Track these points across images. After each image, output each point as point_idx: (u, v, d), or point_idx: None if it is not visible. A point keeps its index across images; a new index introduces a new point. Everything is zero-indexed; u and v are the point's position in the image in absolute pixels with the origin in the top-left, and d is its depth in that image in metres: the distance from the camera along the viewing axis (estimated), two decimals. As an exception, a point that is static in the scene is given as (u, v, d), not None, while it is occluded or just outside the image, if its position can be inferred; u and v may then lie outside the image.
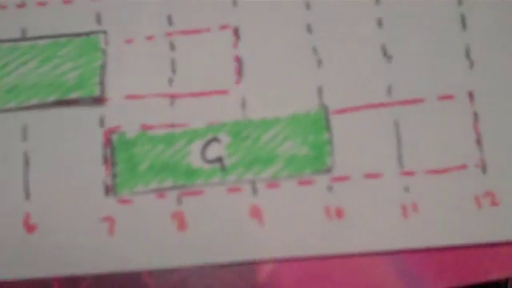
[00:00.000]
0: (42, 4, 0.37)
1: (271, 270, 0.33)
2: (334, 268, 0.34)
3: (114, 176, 0.34)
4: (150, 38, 0.37)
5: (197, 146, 0.35)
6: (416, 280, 0.33)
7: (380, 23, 0.36)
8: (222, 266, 0.34)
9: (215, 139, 0.35)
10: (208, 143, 0.35)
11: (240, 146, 0.34)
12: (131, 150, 0.35)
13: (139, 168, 0.35)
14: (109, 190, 0.35)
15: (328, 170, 0.34)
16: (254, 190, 0.34)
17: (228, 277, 0.33)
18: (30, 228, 0.35)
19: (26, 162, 0.35)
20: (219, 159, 0.34)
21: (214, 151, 0.35)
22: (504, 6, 0.36)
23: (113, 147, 0.35)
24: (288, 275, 0.33)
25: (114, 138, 0.35)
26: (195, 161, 0.34)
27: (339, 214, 0.34)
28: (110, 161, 0.35)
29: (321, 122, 0.34)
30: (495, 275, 0.33)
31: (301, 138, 0.34)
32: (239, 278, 0.33)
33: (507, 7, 0.36)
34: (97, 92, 0.35)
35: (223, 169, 0.34)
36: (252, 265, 0.34)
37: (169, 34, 0.37)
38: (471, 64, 0.35)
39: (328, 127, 0.34)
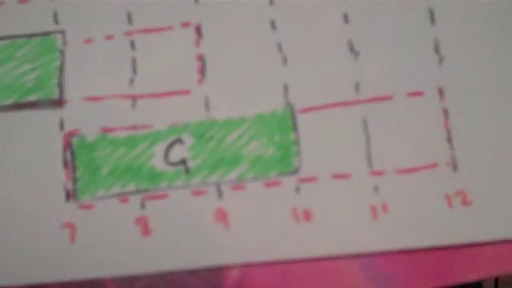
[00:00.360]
0: (-3, 3, 0.36)
1: (238, 276, 0.33)
2: (303, 272, 0.33)
3: (75, 181, 0.33)
4: (109, 37, 0.35)
5: (160, 148, 0.34)
6: (387, 283, 0.32)
7: (346, 19, 0.35)
8: (188, 272, 0.32)
9: (179, 141, 0.33)
10: (171, 145, 0.33)
11: (204, 148, 0.33)
12: (92, 153, 0.34)
13: (100, 172, 0.34)
14: (69, 195, 0.33)
15: (295, 171, 0.33)
16: (220, 193, 0.33)
17: (194, 283, 0.32)
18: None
19: None
20: (183, 161, 0.33)
21: (177, 153, 0.33)
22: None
23: (73, 151, 0.34)
24: (255, 280, 0.32)
25: (74, 141, 0.34)
26: (158, 164, 0.33)
27: (307, 216, 0.33)
28: (70, 165, 0.33)
29: (287, 121, 0.33)
30: (470, 278, 0.32)
31: (267, 138, 0.33)
32: (205, 284, 0.32)
33: (475, 1, 0.35)
34: (55, 94, 0.34)
35: (187, 171, 0.33)
36: (218, 270, 0.32)
37: (129, 33, 0.36)
38: (440, 59, 0.34)
39: (294, 127, 0.33)
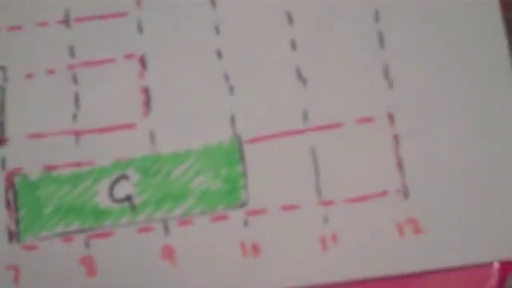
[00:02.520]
0: None
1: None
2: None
3: (18, 221, 0.33)
4: (51, 71, 0.35)
5: (104, 184, 0.33)
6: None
7: (294, 45, 0.34)
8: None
9: (123, 177, 0.33)
10: (116, 181, 0.33)
11: (150, 183, 0.33)
12: (35, 192, 0.33)
13: (44, 211, 0.33)
14: (12, 236, 0.33)
15: (242, 205, 0.32)
16: (166, 229, 0.32)
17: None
18: None
19: None
20: (128, 198, 0.33)
21: (122, 190, 0.33)
22: (422, 22, 0.35)
23: (15, 191, 0.33)
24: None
25: (17, 180, 0.33)
26: (103, 201, 0.33)
27: (255, 249, 0.32)
28: (12, 205, 0.33)
29: (234, 153, 0.33)
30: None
31: (213, 171, 0.33)
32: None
33: (425, 24, 0.34)
34: (-4, 132, 0.33)
35: (133, 208, 0.32)
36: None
37: (71, 67, 0.35)
38: (390, 83, 0.34)
39: (241, 159, 0.33)
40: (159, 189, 0.33)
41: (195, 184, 0.33)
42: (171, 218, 0.33)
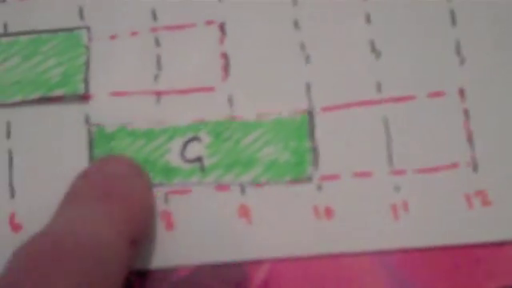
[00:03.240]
0: (23, -1, 0.36)
1: (263, 277, 0.33)
2: (324, 269, 0.33)
3: None
4: (134, 33, 0.36)
5: (177, 143, 0.34)
6: (408, 286, 0.32)
7: (368, 19, 0.36)
8: (213, 276, 0.32)
9: (196, 138, 0.34)
10: (188, 142, 0.34)
11: (220, 147, 0.34)
12: (109, 143, 0.34)
13: None
14: None
15: (309, 179, 0.33)
16: (242, 190, 0.33)
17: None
18: (15, 227, 0.34)
19: (10, 160, 0.34)
20: (199, 159, 0.34)
21: (193, 150, 0.34)
22: (494, 1, 0.35)
23: (92, 140, 0.34)
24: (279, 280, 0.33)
25: (94, 130, 0.34)
26: (174, 159, 0.34)
27: (328, 213, 0.33)
28: (87, 150, 0.34)
29: (304, 127, 0.34)
30: (493, 284, 0.32)
31: (283, 143, 0.34)
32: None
33: (497, 2, 0.35)
34: (81, 89, 0.35)
35: (202, 169, 0.33)
36: (245, 273, 0.33)
37: (153, 30, 0.36)
38: (462, 60, 0.35)
39: (311, 134, 0.34)
40: (229, 154, 0.34)
41: (264, 153, 0.34)
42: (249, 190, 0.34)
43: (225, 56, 0.35)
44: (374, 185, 0.34)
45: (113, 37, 0.36)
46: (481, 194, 0.33)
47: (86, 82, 0.35)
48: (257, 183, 0.34)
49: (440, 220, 0.33)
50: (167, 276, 0.33)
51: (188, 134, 0.34)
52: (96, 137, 0.34)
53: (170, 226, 0.34)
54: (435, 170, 0.34)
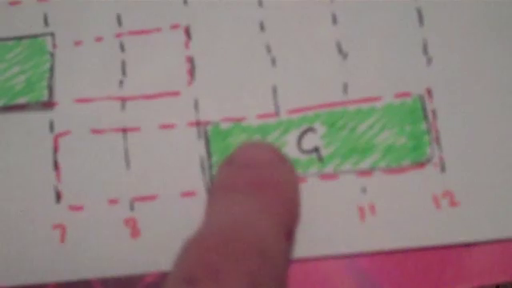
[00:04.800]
0: (-13, 6, 0.36)
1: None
2: (293, 277, 0.33)
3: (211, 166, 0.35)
4: (99, 39, 0.36)
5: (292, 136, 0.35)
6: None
7: (335, 20, 0.35)
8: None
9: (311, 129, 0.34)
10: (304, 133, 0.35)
11: (336, 136, 0.34)
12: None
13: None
14: (60, 196, 0.33)
15: (428, 160, 0.33)
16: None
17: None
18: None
19: None
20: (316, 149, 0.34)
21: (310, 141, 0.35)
22: (461, 0, 0.35)
23: (207, 138, 0.35)
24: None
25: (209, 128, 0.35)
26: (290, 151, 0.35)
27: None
28: (59, 166, 0.34)
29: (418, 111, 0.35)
30: (462, 286, 0.32)
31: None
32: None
33: (464, 1, 0.35)
34: (45, 96, 0.35)
35: (320, 159, 0.34)
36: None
37: (118, 35, 0.36)
38: (429, 60, 0.34)
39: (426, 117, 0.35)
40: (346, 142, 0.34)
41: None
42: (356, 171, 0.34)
43: (190, 60, 0.35)
44: (340, 187, 0.33)
45: (77, 43, 0.36)
46: (448, 194, 0.33)
47: (50, 88, 0.35)
48: (373, 170, 0.34)
49: (408, 221, 0.33)
50: (134, 282, 0.33)
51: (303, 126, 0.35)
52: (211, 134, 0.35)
53: (136, 233, 0.33)
54: (402, 170, 0.33)
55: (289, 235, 0.31)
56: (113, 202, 0.34)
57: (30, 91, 0.35)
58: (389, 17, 0.36)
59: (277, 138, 0.35)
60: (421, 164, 0.34)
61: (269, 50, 0.35)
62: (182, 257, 0.28)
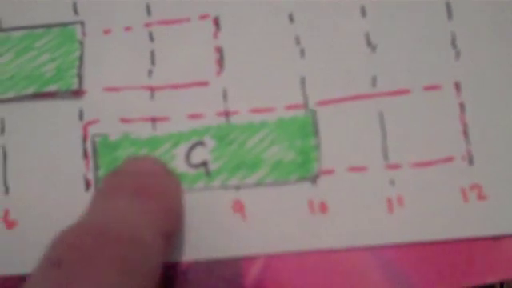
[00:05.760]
0: (16, -6, 0.36)
1: (257, 273, 0.33)
2: (319, 264, 0.33)
3: (97, 180, 0.34)
4: (128, 28, 0.36)
5: (181, 150, 0.34)
6: (401, 279, 0.32)
7: (364, 12, 0.35)
8: (208, 273, 0.32)
9: (200, 143, 0.34)
10: (193, 147, 0.34)
11: (225, 151, 0.33)
12: (114, 152, 0.34)
13: None
14: (89, 185, 0.33)
15: (315, 177, 0.33)
16: (237, 186, 0.33)
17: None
18: (9, 224, 0.34)
19: (4, 156, 0.34)
20: (204, 163, 0.33)
21: (198, 155, 0.34)
22: (490, -6, 0.35)
23: (95, 150, 0.34)
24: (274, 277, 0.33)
25: (97, 140, 0.34)
26: (180, 165, 0.33)
27: (323, 208, 0.33)
28: (91, 158, 0.34)
29: (308, 126, 0.33)
30: (489, 280, 0.32)
31: (288, 143, 0.33)
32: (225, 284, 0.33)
33: (493, -5, 0.35)
34: (75, 85, 0.35)
35: (208, 173, 0.33)
36: (240, 268, 0.33)
37: (147, 25, 0.36)
38: (457, 54, 0.34)
39: (316, 132, 0.33)
40: (234, 157, 0.33)
41: (268, 154, 0.33)
42: (244, 186, 0.33)
43: (219, 50, 0.35)
44: (369, 179, 0.34)
45: (106, 31, 0.36)
46: (476, 187, 0.33)
47: (80, 77, 0.35)
48: (261, 185, 0.34)
49: (435, 214, 0.33)
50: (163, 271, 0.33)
51: (192, 140, 0.34)
52: (99, 146, 0.34)
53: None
54: (430, 163, 0.33)
55: (166, 237, 0.31)
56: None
57: (60, 79, 0.35)
58: (418, 10, 0.36)
59: (166, 151, 0.35)
60: (306, 180, 0.34)
61: (298, 41, 0.35)
62: (52, 243, 0.28)
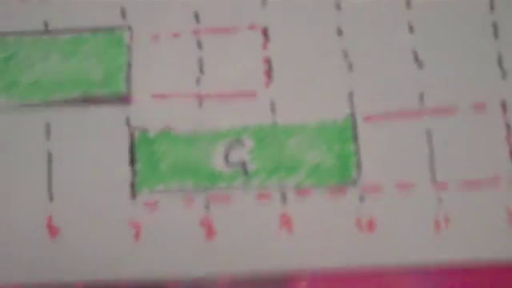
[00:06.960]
0: (65, -4, 0.36)
1: None
2: (364, 282, 0.33)
3: (134, 174, 0.33)
4: (176, 35, 0.35)
5: (220, 148, 0.33)
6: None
7: (411, 28, 0.35)
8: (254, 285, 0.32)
9: (239, 143, 0.33)
10: (232, 146, 0.33)
11: (264, 152, 0.33)
12: (152, 147, 0.33)
13: (160, 166, 0.33)
14: (135, 193, 0.33)
15: (353, 182, 0.33)
16: (283, 198, 0.33)
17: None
18: (53, 231, 0.33)
19: (49, 162, 0.34)
20: (242, 163, 0.33)
21: (237, 155, 0.33)
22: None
23: (134, 143, 0.33)
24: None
25: (136, 134, 0.33)
26: (218, 164, 0.33)
27: (371, 226, 0.33)
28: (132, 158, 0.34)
29: (347, 131, 0.33)
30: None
31: (327, 147, 0.33)
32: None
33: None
34: (123, 90, 0.34)
35: (246, 173, 0.33)
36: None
37: (196, 32, 0.35)
38: (504, 74, 0.35)
39: (355, 138, 0.33)
40: (273, 158, 0.33)
41: (308, 157, 0.33)
42: (285, 188, 0.33)
43: (268, 61, 0.35)
44: (416, 197, 0.33)
45: (155, 37, 0.35)
46: (523, 209, 0.33)
47: (128, 82, 0.34)
48: (301, 188, 0.33)
49: (481, 235, 0.33)
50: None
51: (231, 139, 0.34)
52: (138, 140, 0.34)
53: (210, 233, 0.33)
54: (477, 183, 0.33)
55: None
56: (188, 201, 0.33)
57: (108, 84, 0.35)
58: (465, 28, 0.36)
59: (203, 148, 0.35)
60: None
61: (345, 54, 0.35)
62: None
